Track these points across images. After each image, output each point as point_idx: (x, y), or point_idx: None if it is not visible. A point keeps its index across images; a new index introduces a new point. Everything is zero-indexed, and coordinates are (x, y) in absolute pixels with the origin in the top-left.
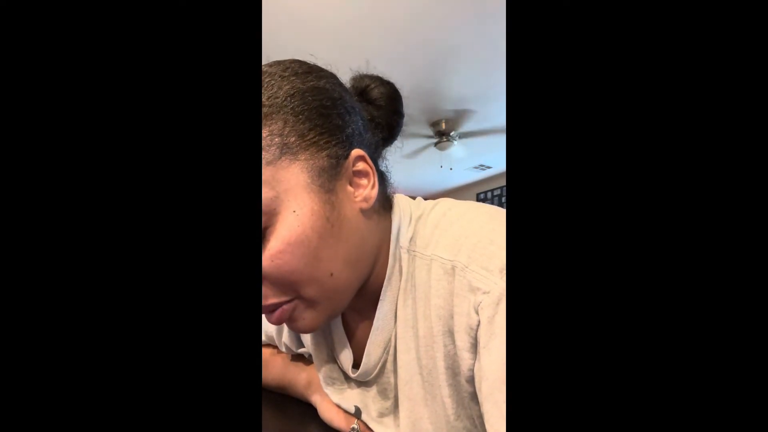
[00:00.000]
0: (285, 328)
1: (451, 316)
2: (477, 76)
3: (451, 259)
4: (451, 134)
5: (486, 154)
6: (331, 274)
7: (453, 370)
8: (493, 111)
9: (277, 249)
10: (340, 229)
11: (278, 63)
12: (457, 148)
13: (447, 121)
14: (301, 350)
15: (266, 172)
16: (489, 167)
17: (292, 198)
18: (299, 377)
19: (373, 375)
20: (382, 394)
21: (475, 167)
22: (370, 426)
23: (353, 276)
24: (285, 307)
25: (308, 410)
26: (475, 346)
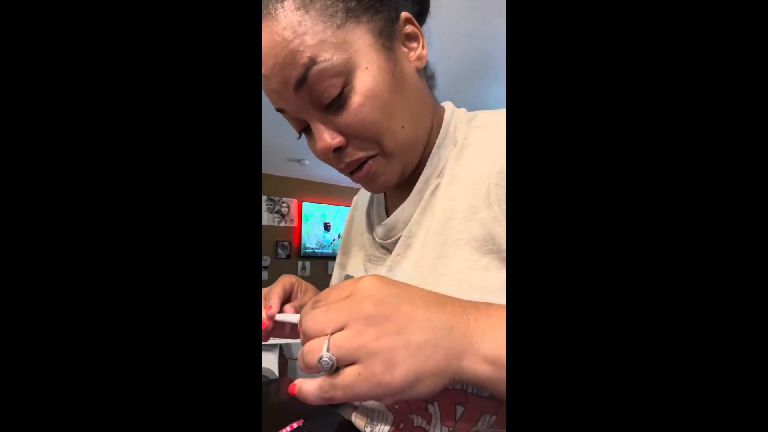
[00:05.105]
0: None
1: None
2: (476, 75)
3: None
4: None
5: None
6: (402, 127)
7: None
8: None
9: (358, 103)
10: (404, 84)
11: None
12: None
13: None
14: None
15: (337, 36)
16: None
17: (362, 57)
18: None
19: (401, 230)
20: (407, 244)
21: None
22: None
23: (418, 132)
24: (370, 162)
25: (307, 409)
26: None
